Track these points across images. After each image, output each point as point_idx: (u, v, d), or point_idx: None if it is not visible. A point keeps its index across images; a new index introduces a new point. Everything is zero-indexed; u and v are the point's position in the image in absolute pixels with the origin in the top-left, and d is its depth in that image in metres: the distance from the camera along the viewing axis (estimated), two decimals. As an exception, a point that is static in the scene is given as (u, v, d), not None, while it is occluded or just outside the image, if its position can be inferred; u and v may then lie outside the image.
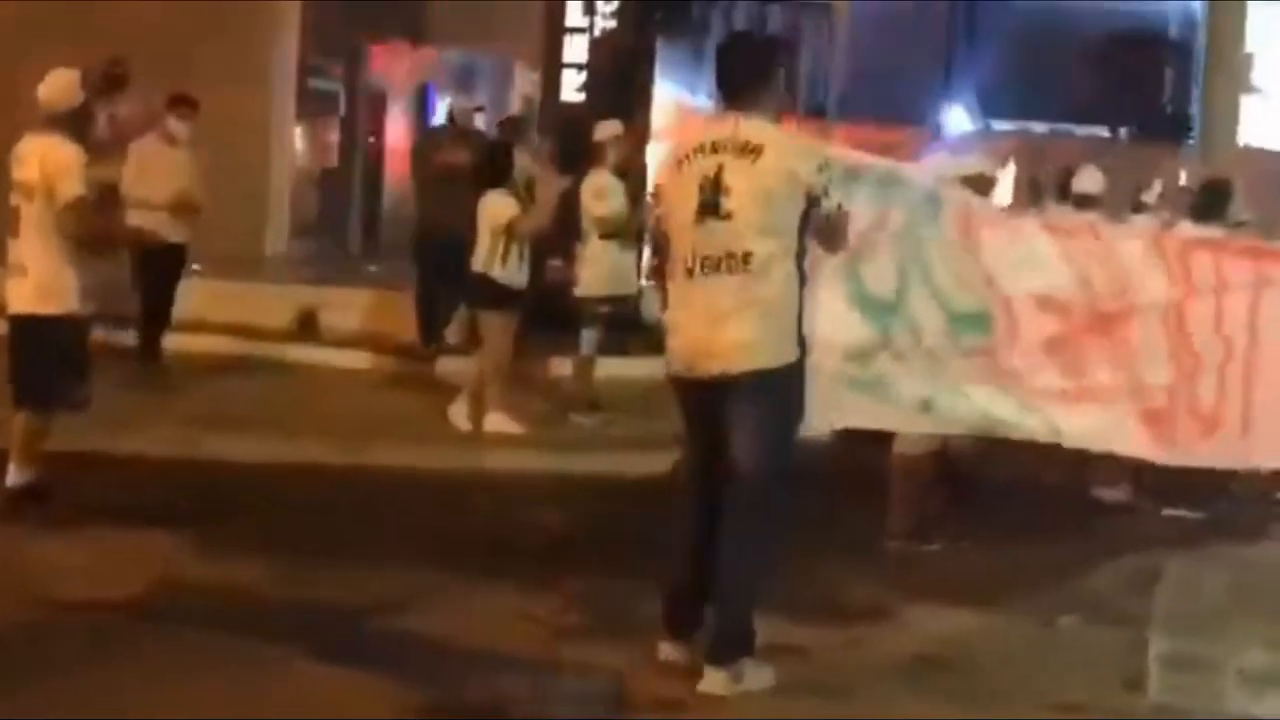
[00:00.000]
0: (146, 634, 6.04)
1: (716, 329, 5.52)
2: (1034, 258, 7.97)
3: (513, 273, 10.41)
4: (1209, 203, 10.65)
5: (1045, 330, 7.78)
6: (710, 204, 5.51)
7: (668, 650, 5.84)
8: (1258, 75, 24.37)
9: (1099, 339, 8.08)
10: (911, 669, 6.18)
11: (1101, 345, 8.08)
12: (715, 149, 5.57)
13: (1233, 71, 15.84)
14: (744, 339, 5.51)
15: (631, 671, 5.78)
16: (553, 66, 14.64)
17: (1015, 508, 8.65)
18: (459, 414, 10.51)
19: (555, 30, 14.55)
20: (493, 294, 10.39)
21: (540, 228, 10.47)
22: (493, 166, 10.63)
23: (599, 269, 11.06)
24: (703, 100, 30.70)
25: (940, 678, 6.10)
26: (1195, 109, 21.32)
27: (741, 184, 5.48)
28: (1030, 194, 12.36)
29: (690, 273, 5.57)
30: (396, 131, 21.08)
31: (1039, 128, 31.77)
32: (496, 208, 10.32)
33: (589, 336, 11.13)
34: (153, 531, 7.49)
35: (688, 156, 5.65)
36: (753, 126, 5.59)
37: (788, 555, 5.82)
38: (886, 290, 7.17)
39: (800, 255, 5.63)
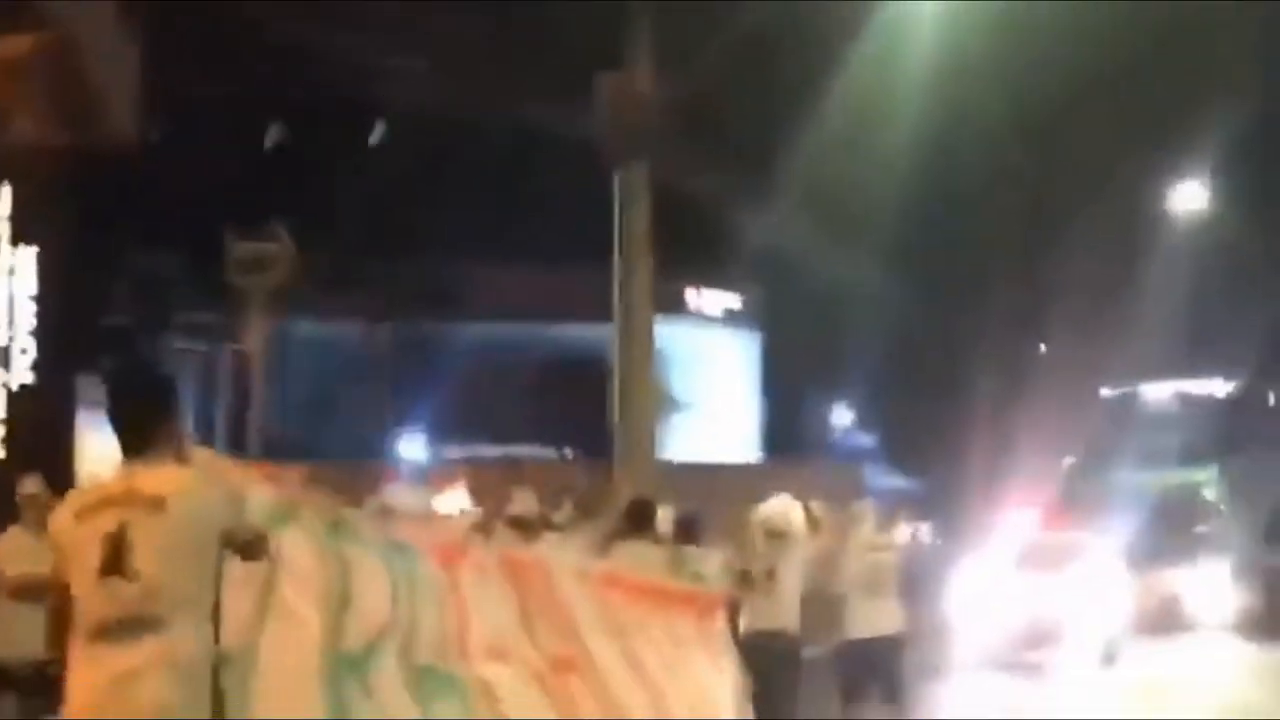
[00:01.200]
0: None
1: (126, 696, 4.91)
2: (491, 598, 7.94)
3: None
4: (635, 521, 10.90)
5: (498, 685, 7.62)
6: (113, 563, 4.97)
7: None
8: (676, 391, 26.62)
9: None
10: None
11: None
12: (115, 502, 5.07)
13: (643, 393, 16.87)
14: (157, 706, 4.93)
15: None
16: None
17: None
18: None
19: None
20: None
21: None
22: None
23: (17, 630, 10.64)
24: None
25: None
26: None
27: (147, 540, 4.98)
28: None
29: (95, 636, 4.99)
30: None
31: (490, 451, 32.59)
32: None
33: (9, 702, 10.64)
34: None
35: (85, 512, 5.09)
36: (153, 475, 5.10)
37: None
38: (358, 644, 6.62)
39: (217, 610, 5.18)
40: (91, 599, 5.00)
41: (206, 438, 32.91)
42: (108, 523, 5.01)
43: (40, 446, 13.84)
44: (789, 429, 40.58)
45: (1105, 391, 34.33)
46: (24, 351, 14.12)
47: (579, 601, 8.39)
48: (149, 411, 5.28)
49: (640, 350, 16.98)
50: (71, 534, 5.11)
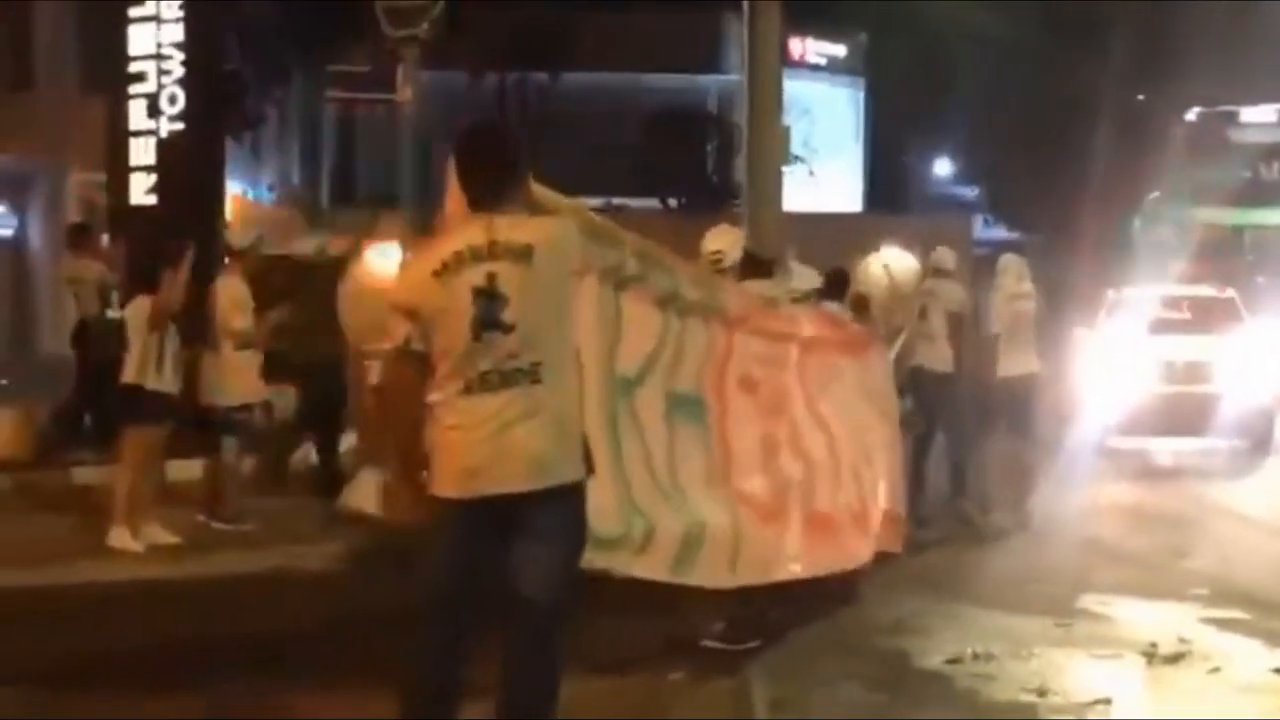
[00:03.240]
0: None
1: (505, 444, 5.04)
2: (749, 338, 8.28)
3: (167, 380, 10.37)
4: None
5: (747, 413, 8.13)
6: (489, 317, 5.03)
7: None
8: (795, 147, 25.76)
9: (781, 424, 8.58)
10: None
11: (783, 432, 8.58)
12: (479, 256, 5.08)
13: (772, 143, 16.85)
14: (536, 454, 5.07)
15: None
16: (119, 170, 14.51)
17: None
18: (121, 537, 10.34)
19: (119, 134, 14.45)
20: (145, 406, 10.33)
21: (177, 303, 10.41)
22: (138, 275, 10.67)
23: (237, 376, 11.10)
24: (264, 194, 30.80)
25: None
26: (741, 178, 22.51)
27: (520, 290, 5.04)
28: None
29: (470, 389, 5.05)
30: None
31: (592, 202, 32.65)
32: (140, 306, 10.30)
33: (230, 444, 11.12)
34: None
35: (445, 267, 5.09)
36: (513, 225, 5.13)
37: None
38: (632, 370, 7.21)
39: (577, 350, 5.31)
40: (466, 353, 5.05)
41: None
42: (475, 277, 5.04)
43: (191, 194, 14.12)
44: (892, 180, 40.43)
45: (1191, 115, 27.28)
46: (172, 100, 14.29)
47: (799, 349, 8.88)
48: (503, 165, 5.28)
49: (767, 99, 16.84)
50: (433, 290, 5.11)
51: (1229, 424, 16.93)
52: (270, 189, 30.77)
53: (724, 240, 8.68)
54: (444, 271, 5.09)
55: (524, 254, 5.05)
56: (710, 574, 7.55)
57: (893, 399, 10.34)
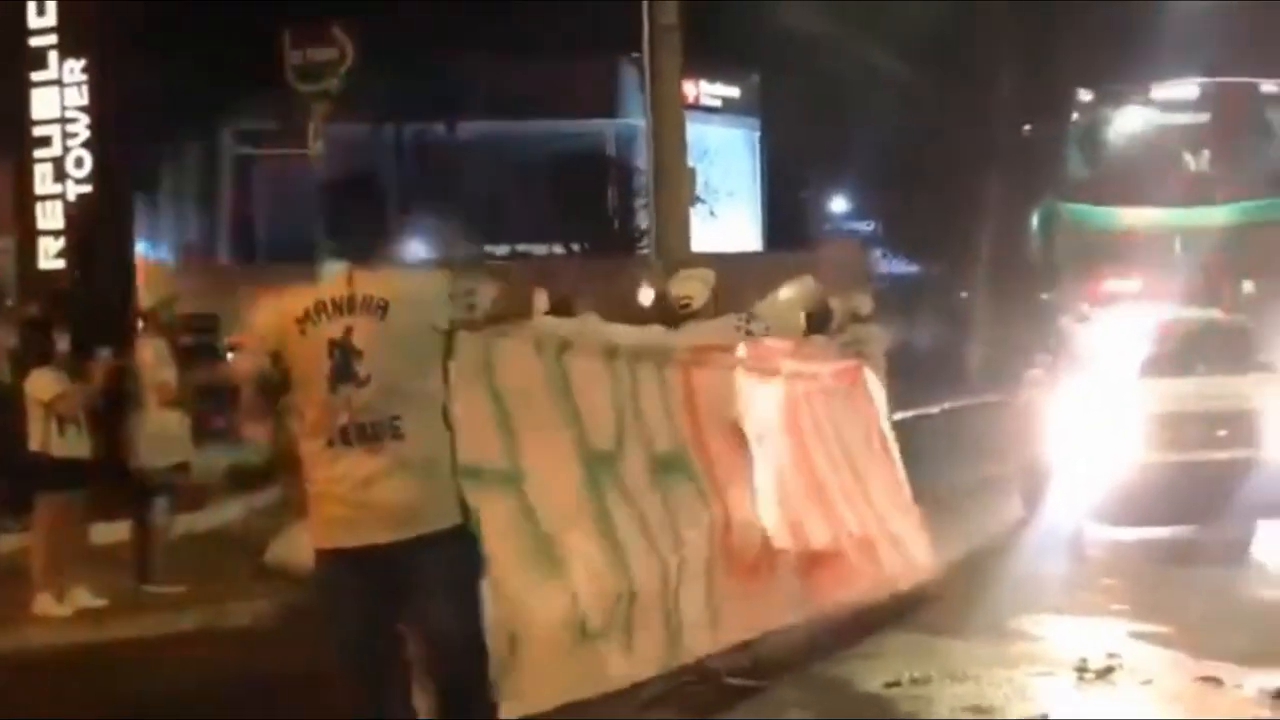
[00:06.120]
0: None
1: (367, 500, 5.02)
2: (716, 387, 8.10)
3: (74, 444, 10.26)
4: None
5: (735, 457, 8.04)
6: (343, 370, 5.02)
7: None
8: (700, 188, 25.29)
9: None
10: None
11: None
12: (339, 308, 5.08)
13: (679, 185, 17.05)
14: (401, 506, 5.04)
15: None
16: (27, 235, 14.42)
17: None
18: (44, 603, 10.24)
19: (26, 198, 14.38)
20: (51, 472, 10.25)
21: (88, 405, 10.35)
22: (33, 345, 10.59)
23: (165, 435, 11.03)
24: (163, 253, 30.59)
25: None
26: (645, 222, 22.65)
27: (374, 345, 5.03)
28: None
29: (331, 443, 5.04)
30: None
31: (498, 250, 32.60)
32: (39, 386, 10.21)
33: (160, 504, 11.04)
34: None
35: (306, 316, 5.09)
36: (371, 279, 5.11)
37: None
38: (607, 441, 6.99)
39: (446, 404, 5.23)
40: (324, 406, 5.05)
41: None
42: (333, 329, 5.04)
43: (99, 256, 14.07)
44: (790, 218, 40.73)
45: (1086, 95, 20.62)
46: (79, 163, 14.22)
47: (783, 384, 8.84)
48: (372, 217, 5.34)
49: (673, 143, 17.09)
50: (295, 341, 5.11)
51: (1263, 503, 11.86)
52: (173, 249, 30.61)
53: (691, 286, 8.58)
54: (305, 321, 5.10)
55: (380, 308, 5.06)
56: (695, 645, 7.38)
57: (885, 428, 10.29)
